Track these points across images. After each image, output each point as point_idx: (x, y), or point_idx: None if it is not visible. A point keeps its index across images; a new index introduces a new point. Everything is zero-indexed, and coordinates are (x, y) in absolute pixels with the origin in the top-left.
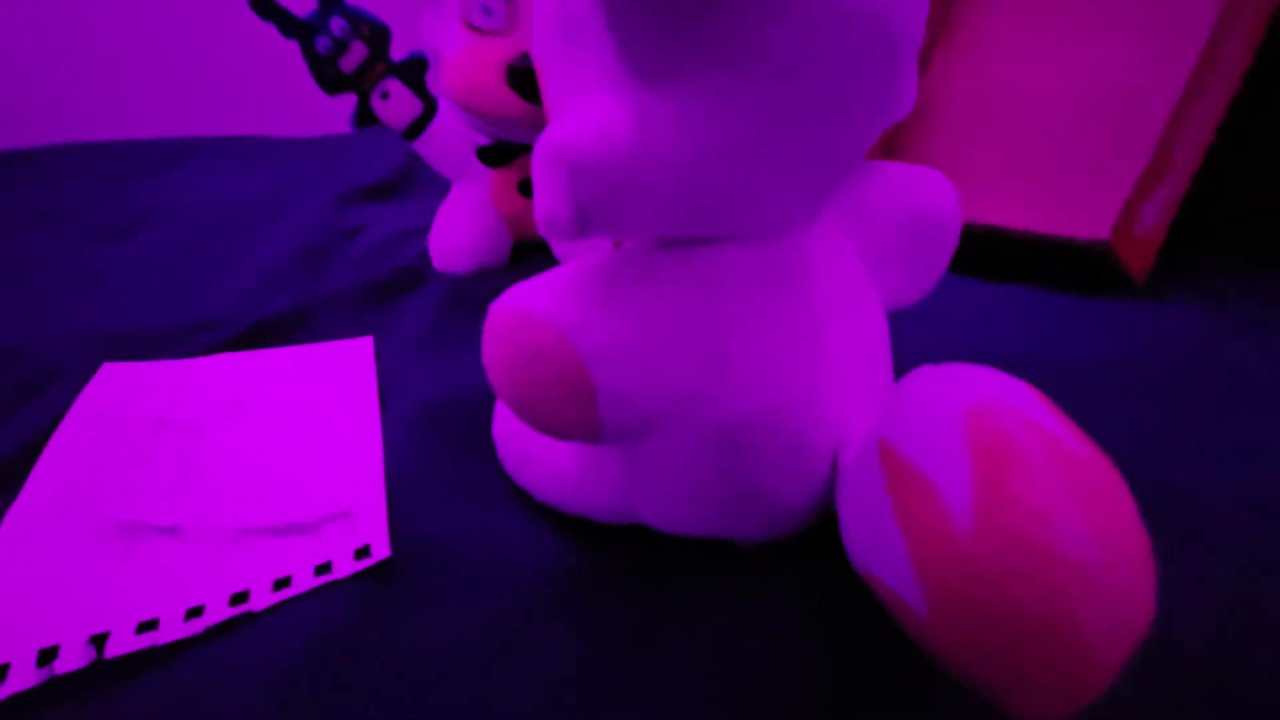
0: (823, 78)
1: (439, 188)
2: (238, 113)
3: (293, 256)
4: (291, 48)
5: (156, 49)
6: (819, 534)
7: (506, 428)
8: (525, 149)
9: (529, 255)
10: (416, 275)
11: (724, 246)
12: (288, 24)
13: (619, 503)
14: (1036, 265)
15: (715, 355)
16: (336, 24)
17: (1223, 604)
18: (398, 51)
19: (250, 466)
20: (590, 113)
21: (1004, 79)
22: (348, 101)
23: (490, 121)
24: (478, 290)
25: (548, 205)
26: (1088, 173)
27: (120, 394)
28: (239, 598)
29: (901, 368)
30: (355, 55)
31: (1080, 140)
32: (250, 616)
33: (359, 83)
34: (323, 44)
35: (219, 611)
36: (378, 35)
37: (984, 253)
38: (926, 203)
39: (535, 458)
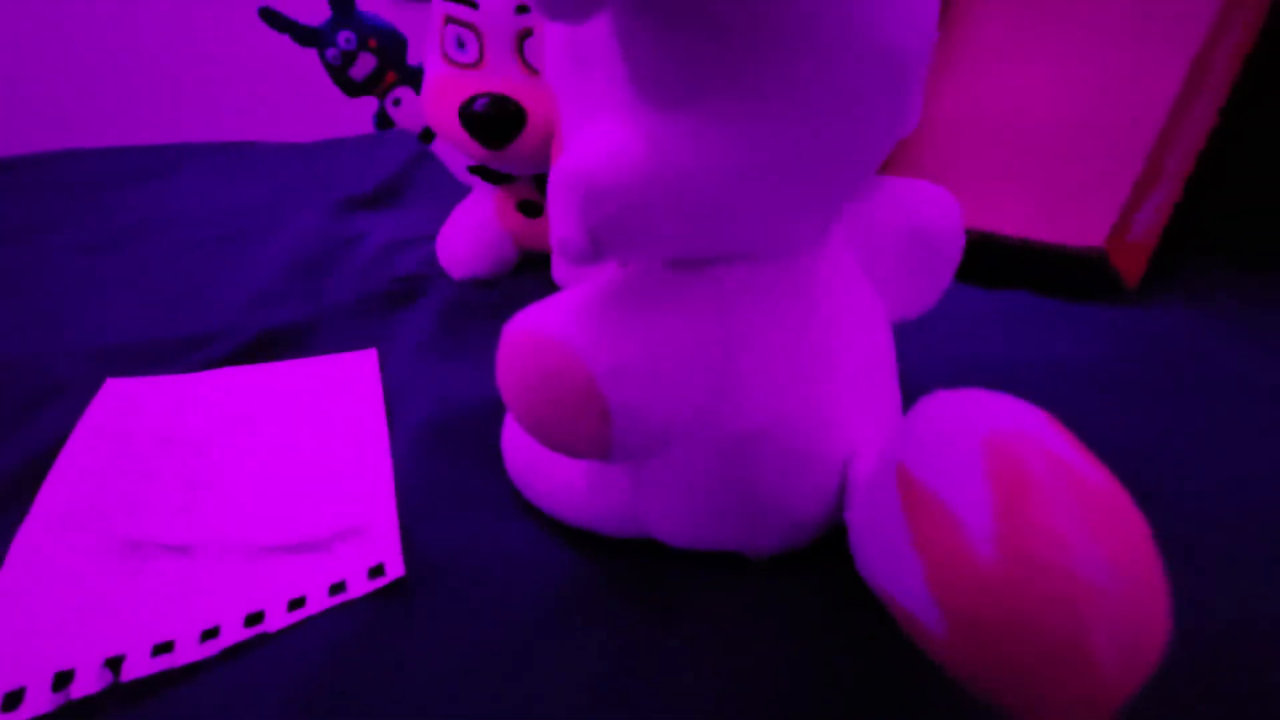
0: (833, 104)
1: (436, 195)
2: (232, 118)
3: (291, 266)
4: (283, 51)
5: (148, 54)
6: (827, 545)
7: (515, 442)
8: (505, 177)
9: (535, 265)
10: (417, 285)
11: (733, 265)
12: (299, 34)
13: (628, 516)
14: (1032, 271)
15: (725, 372)
16: (343, 36)
17: (1221, 610)
18: (414, 58)
19: (259, 483)
20: (603, 139)
21: (999, 87)
22: (339, 106)
23: (468, 154)
24: (478, 300)
25: (562, 230)
26: (1082, 180)
27: (124, 410)
28: (254, 618)
29: (903, 375)
30: (364, 65)
31: (1074, 148)
32: (265, 637)
33: (371, 90)
34: (331, 55)
35: (234, 633)
36: (387, 46)
37: (981, 259)
38: (930, 219)
39: (544, 471)
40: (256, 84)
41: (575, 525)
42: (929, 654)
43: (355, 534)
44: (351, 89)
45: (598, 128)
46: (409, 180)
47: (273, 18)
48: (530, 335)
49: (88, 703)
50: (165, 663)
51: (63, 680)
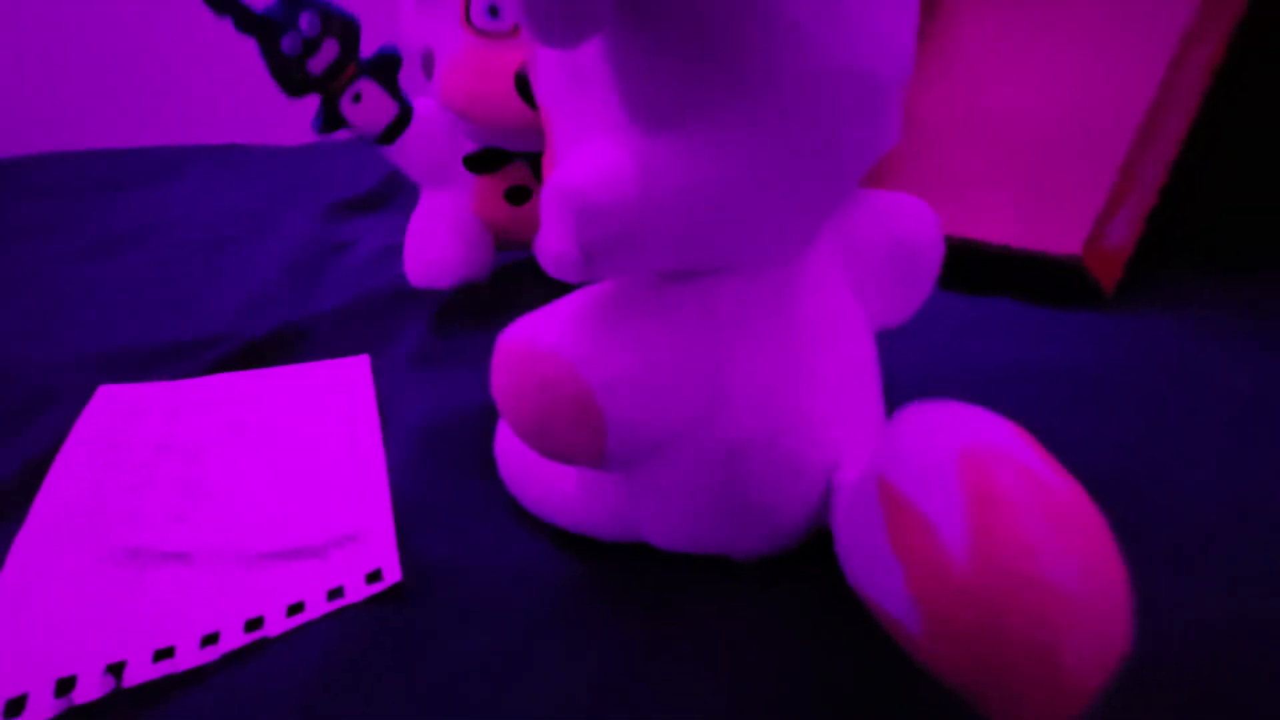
0: (816, 125)
1: None
2: (223, 120)
3: (283, 272)
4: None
5: (137, 56)
6: (813, 548)
7: (508, 448)
8: (513, 156)
9: (516, 276)
10: (408, 291)
11: (722, 277)
12: (246, 20)
13: (620, 521)
14: (1010, 277)
15: (716, 382)
16: (306, 20)
17: (1203, 614)
18: (364, 47)
19: (254, 489)
20: (595, 157)
21: (976, 96)
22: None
23: (494, 131)
24: (469, 305)
25: (556, 247)
26: (1059, 187)
27: (118, 417)
28: (253, 624)
29: (885, 381)
30: (326, 55)
31: (1051, 156)
32: (265, 642)
33: (327, 84)
34: (289, 43)
35: (234, 638)
36: (348, 31)
37: (960, 265)
38: (910, 231)
39: (538, 477)
40: (248, 86)
41: (569, 530)
42: (911, 655)
43: (352, 540)
44: (301, 86)
45: (590, 146)
46: (400, 184)
47: (217, 0)
48: (526, 346)
49: (90, 708)
50: (167, 668)
51: (65, 686)
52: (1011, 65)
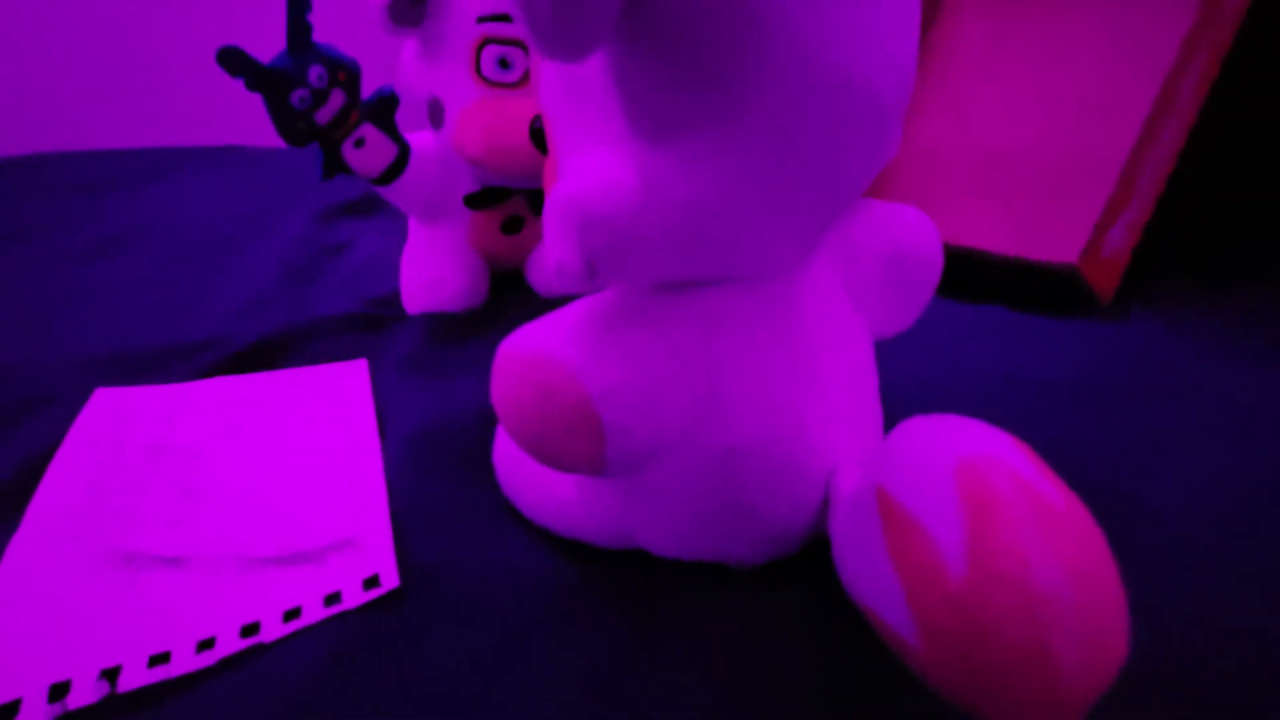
0: (817, 139)
1: None
2: (215, 122)
3: (278, 275)
4: (266, 54)
5: (132, 57)
6: (809, 556)
7: (506, 455)
8: (513, 193)
9: (510, 281)
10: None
11: (720, 287)
12: (257, 77)
13: (617, 528)
14: (1007, 286)
15: (713, 390)
16: (316, 73)
17: (1194, 621)
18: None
19: (251, 494)
20: (597, 169)
21: (977, 106)
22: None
23: (508, 178)
24: (471, 317)
25: (559, 257)
26: (1056, 198)
27: (115, 420)
28: (250, 629)
29: (884, 388)
30: (332, 105)
31: (1049, 167)
32: (261, 648)
33: (331, 133)
34: (299, 97)
35: (230, 643)
36: (352, 80)
37: (958, 273)
38: (909, 242)
39: (535, 484)
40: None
41: (566, 536)
42: (908, 665)
43: (349, 545)
44: (305, 135)
45: (592, 158)
46: None
47: (232, 60)
48: (527, 355)
49: (85, 713)
50: (162, 673)
51: (59, 691)
52: (1010, 76)
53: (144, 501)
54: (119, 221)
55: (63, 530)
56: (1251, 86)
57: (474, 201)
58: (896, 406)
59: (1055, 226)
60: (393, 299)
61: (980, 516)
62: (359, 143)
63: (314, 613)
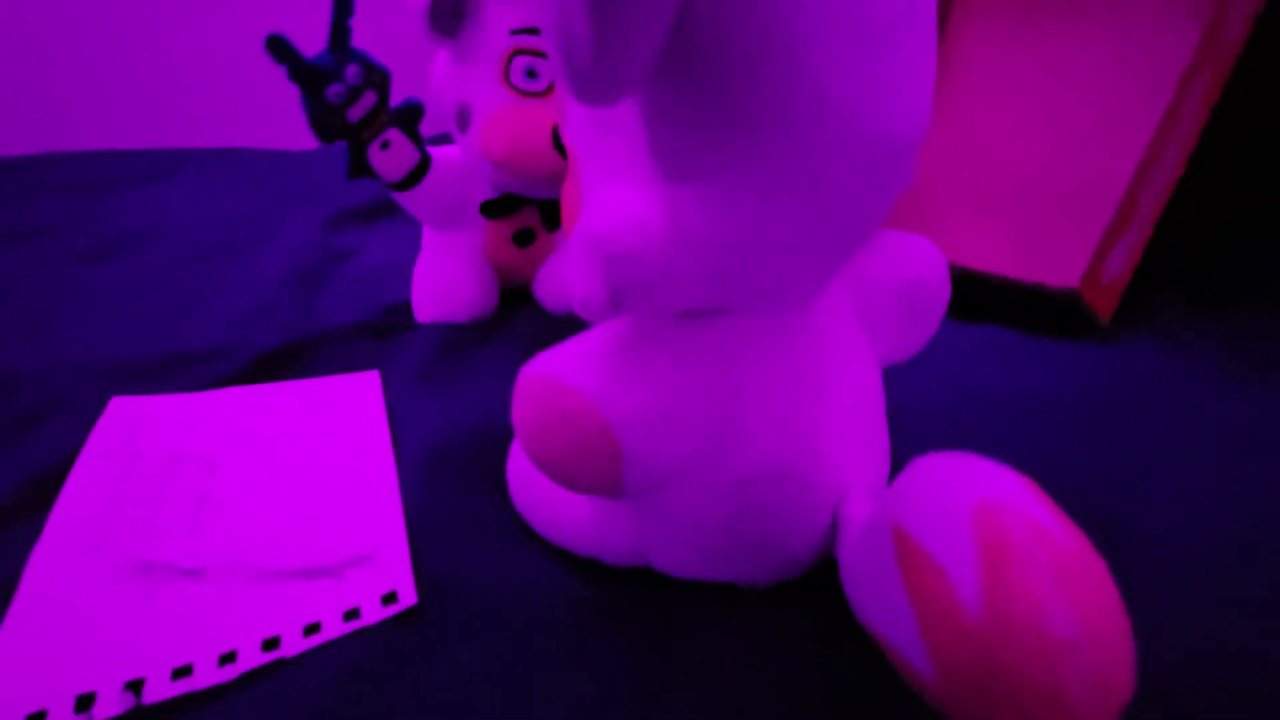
0: (838, 183)
1: None
2: (221, 123)
3: (285, 282)
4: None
5: (139, 56)
6: (817, 577)
7: (521, 473)
8: (528, 201)
9: (518, 297)
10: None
11: (737, 317)
12: (299, 69)
13: (630, 548)
14: (1007, 307)
15: (729, 417)
16: (352, 71)
17: (1190, 643)
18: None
19: (268, 506)
20: (624, 204)
21: (979, 128)
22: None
23: (530, 181)
24: (480, 330)
25: (584, 290)
26: (1058, 220)
27: (131, 429)
28: (270, 643)
29: (887, 408)
30: (365, 104)
31: (1051, 189)
32: (283, 663)
33: (360, 132)
34: (335, 91)
35: (252, 657)
36: (384, 83)
37: (958, 293)
38: (917, 272)
39: (549, 503)
40: (249, 90)
41: (577, 553)
42: (920, 694)
43: (367, 560)
44: (337, 132)
45: (618, 192)
46: None
47: (280, 49)
48: (549, 380)
49: None
50: (185, 686)
51: (85, 703)
52: (1014, 98)
53: (162, 511)
54: (123, 224)
55: (84, 540)
56: (1252, 109)
57: (490, 209)
58: (898, 428)
59: (1057, 249)
60: (401, 307)
61: (996, 560)
62: (385, 145)
63: (334, 628)
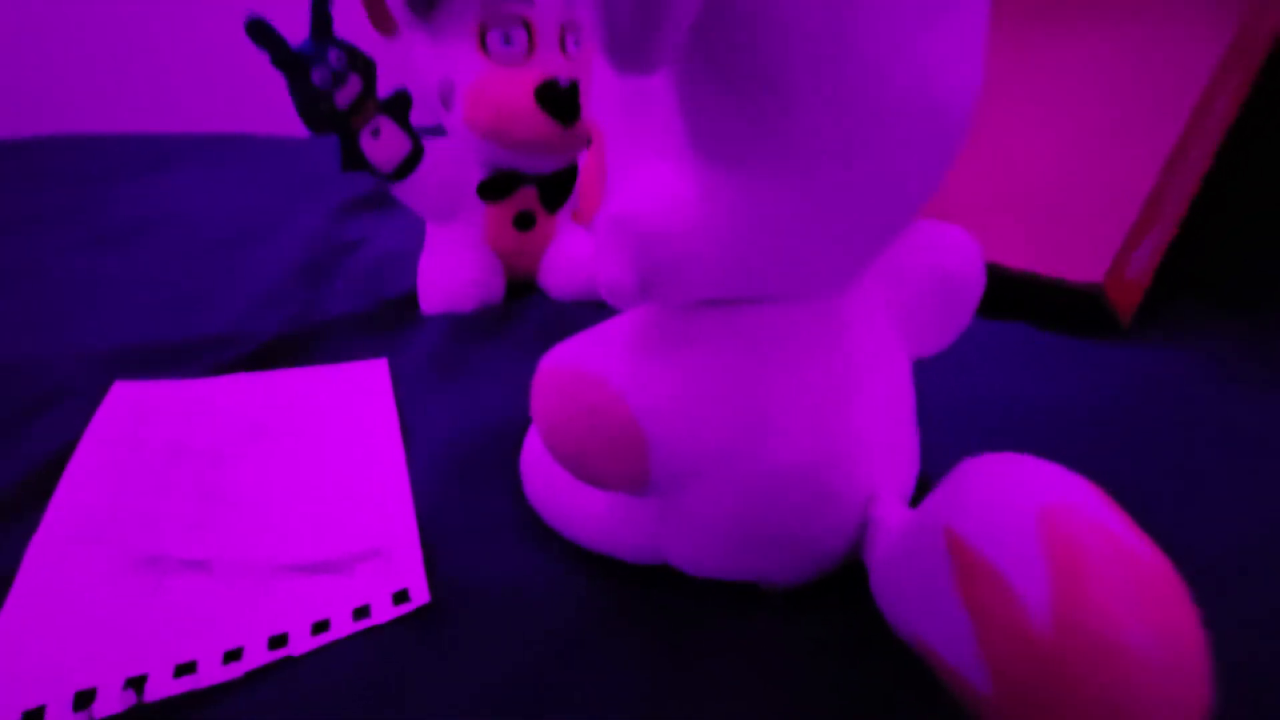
0: (883, 163)
1: None
2: (229, 109)
3: (294, 270)
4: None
5: (146, 41)
6: (841, 581)
7: (535, 467)
8: (525, 180)
9: (524, 289)
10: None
11: (767, 306)
12: (282, 54)
13: (647, 544)
14: (1028, 302)
15: (758, 410)
16: (335, 55)
17: (1217, 654)
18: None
19: (274, 497)
20: (656, 185)
21: (1005, 119)
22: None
23: (515, 147)
24: (488, 319)
25: (612, 274)
26: (1083, 217)
27: (134, 415)
28: (277, 641)
29: None
30: (351, 89)
31: (1077, 185)
32: (290, 661)
33: (349, 119)
34: (320, 76)
35: (258, 655)
36: (369, 70)
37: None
38: (951, 263)
39: (564, 497)
40: (254, 76)
41: (593, 550)
42: (970, 708)
43: (376, 555)
44: (325, 120)
45: (650, 172)
46: None
47: (261, 32)
48: (571, 372)
49: None
50: (188, 684)
51: (84, 700)
52: (1038, 94)
53: (165, 502)
54: (129, 210)
55: (85, 531)
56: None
57: (486, 190)
58: (923, 424)
59: (1081, 245)
60: (408, 298)
61: (1066, 570)
62: (375, 132)
63: (343, 626)
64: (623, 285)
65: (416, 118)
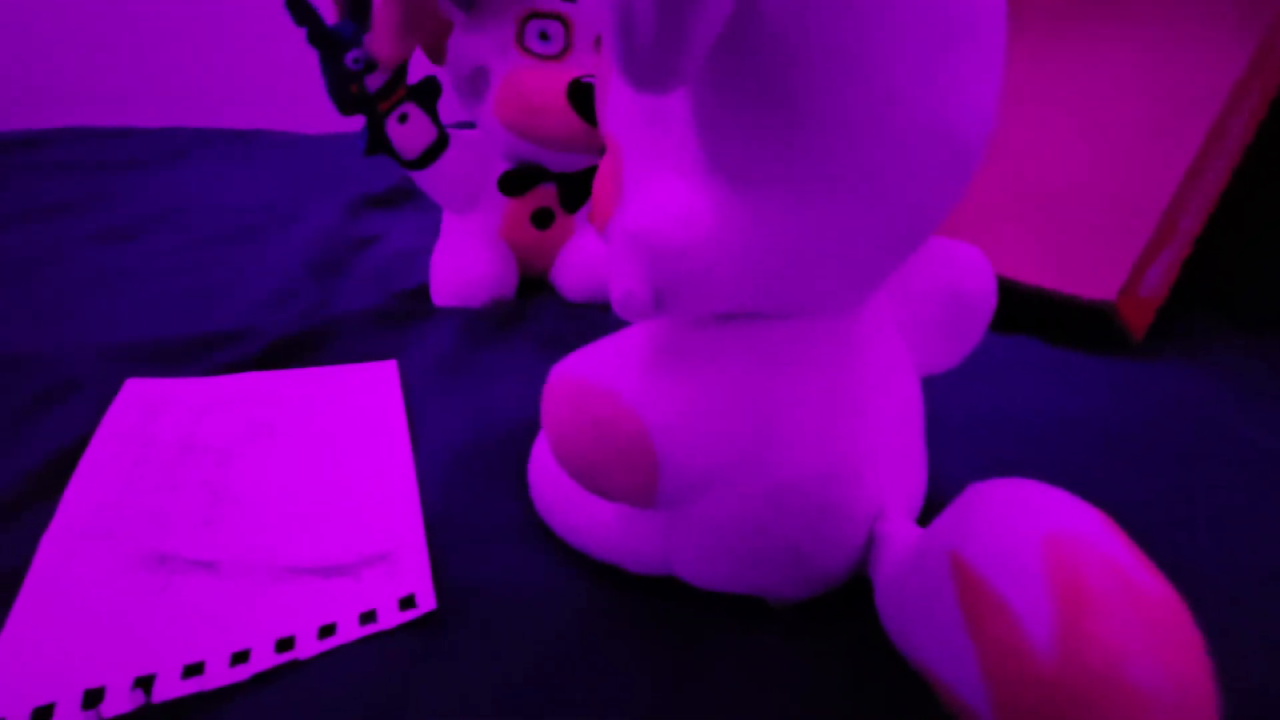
0: (901, 186)
1: None
2: (243, 104)
3: (306, 266)
4: (300, 38)
5: (165, 33)
6: (847, 596)
7: (543, 475)
8: (547, 176)
9: (536, 287)
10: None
11: (779, 321)
12: (318, 32)
13: (655, 555)
14: (1038, 318)
15: (768, 425)
16: (368, 39)
17: (1229, 679)
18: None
19: (283, 497)
20: (670, 198)
21: (1020, 133)
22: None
23: (542, 143)
24: (496, 316)
25: (626, 287)
26: (1096, 231)
27: (145, 412)
28: (284, 644)
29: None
30: (381, 73)
31: (1091, 200)
32: (296, 665)
33: (377, 104)
34: (353, 57)
35: (265, 657)
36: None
37: None
38: (963, 281)
39: (572, 506)
40: (271, 71)
41: (600, 559)
42: None
43: (383, 560)
44: (355, 103)
45: (665, 186)
46: None
47: (301, 8)
48: (583, 384)
49: None
50: (196, 685)
51: (93, 698)
52: (1053, 107)
53: (174, 500)
54: (143, 203)
55: (95, 528)
56: None
57: (507, 184)
58: (932, 440)
59: (1093, 261)
60: (420, 294)
61: (1072, 602)
62: (403, 118)
63: (349, 630)
64: (636, 298)
65: (446, 114)
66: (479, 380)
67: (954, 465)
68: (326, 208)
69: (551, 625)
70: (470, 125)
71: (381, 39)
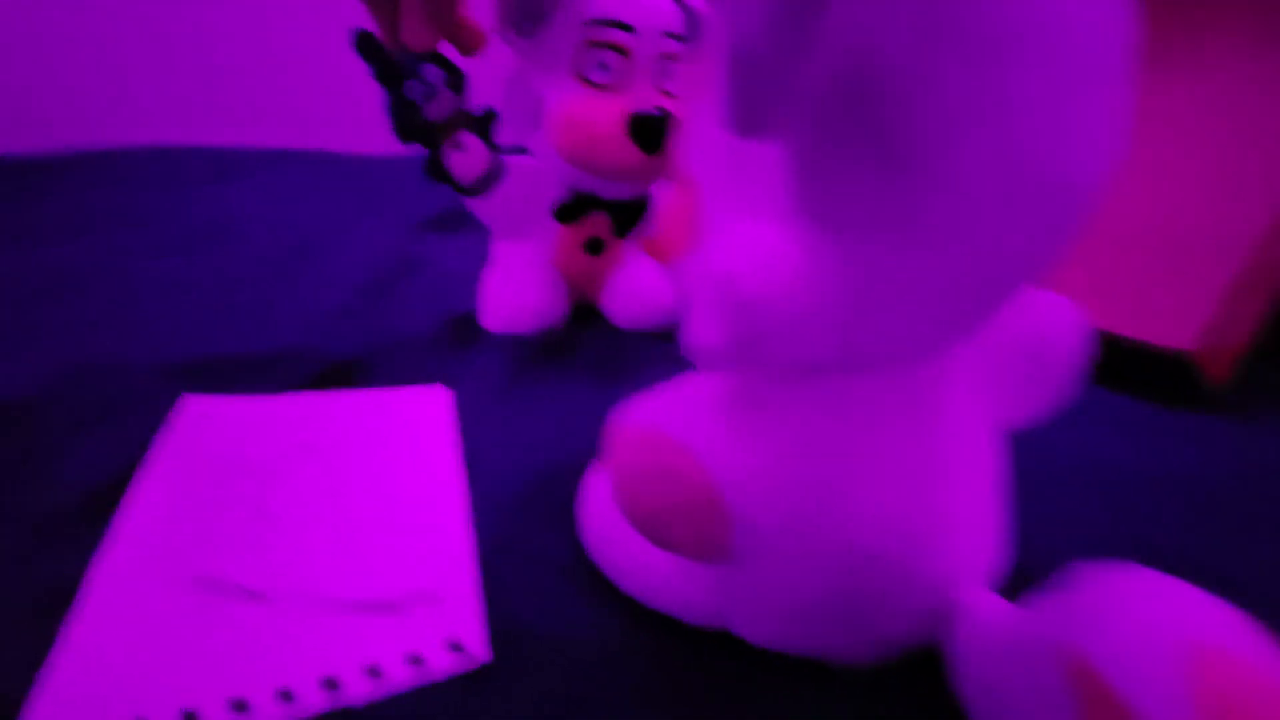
0: (1008, 239)
1: None
2: (300, 123)
3: (360, 288)
4: (353, 61)
5: (223, 52)
6: (915, 664)
7: (597, 519)
8: (599, 204)
9: (587, 314)
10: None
11: (855, 376)
12: (385, 67)
13: (710, 608)
14: (1108, 367)
15: (840, 482)
16: (430, 70)
17: None
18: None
19: (331, 525)
20: (757, 244)
21: None
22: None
23: (599, 173)
24: (549, 346)
25: (702, 334)
26: (1174, 275)
27: (200, 430)
28: (330, 683)
29: None
30: (442, 103)
31: (1169, 241)
32: (348, 713)
33: (437, 133)
34: (414, 88)
35: (311, 697)
36: (461, 84)
37: None
38: (1048, 331)
39: (626, 552)
40: (331, 91)
41: (653, 607)
42: None
43: (430, 598)
44: (415, 132)
45: (751, 231)
46: None
47: (368, 45)
48: (652, 435)
49: None
50: None
51: None
52: (1139, 144)
53: (222, 522)
54: (201, 219)
55: (150, 550)
56: None
57: (562, 212)
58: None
59: (1171, 308)
60: (471, 320)
61: None
62: (459, 146)
63: (395, 671)
64: (714, 347)
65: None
66: (529, 408)
67: (1035, 526)
68: (381, 229)
69: (602, 674)
70: (523, 150)
71: (410, 28)
